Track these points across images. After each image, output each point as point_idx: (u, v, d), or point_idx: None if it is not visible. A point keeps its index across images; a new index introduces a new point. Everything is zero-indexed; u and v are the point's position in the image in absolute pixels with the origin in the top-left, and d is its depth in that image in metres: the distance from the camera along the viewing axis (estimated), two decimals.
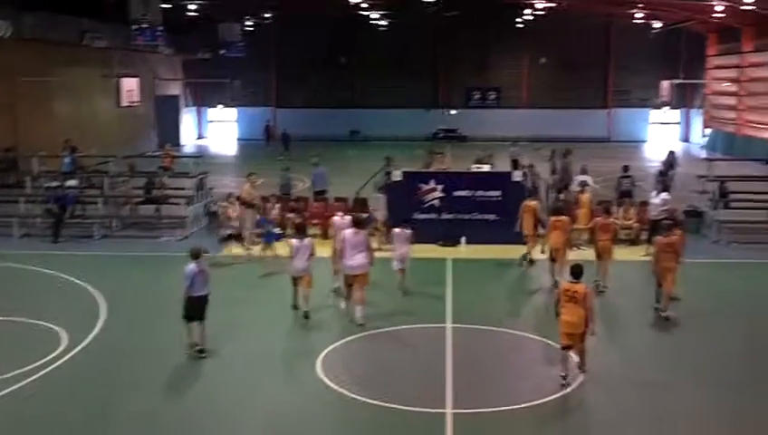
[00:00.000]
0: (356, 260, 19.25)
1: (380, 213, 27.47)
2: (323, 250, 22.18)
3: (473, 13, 66.74)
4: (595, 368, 16.10)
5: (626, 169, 31.81)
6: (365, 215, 23.38)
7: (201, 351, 17.15)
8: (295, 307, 20.17)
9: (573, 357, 16.06)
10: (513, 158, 40.75)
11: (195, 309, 17.06)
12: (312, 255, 19.84)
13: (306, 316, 19.72)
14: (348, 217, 21.58)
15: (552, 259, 22.66)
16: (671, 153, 40.64)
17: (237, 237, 26.01)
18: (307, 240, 20.06)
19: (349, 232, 19.61)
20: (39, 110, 45.61)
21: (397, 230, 22.60)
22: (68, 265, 24.64)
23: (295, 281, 19.99)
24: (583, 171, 31.93)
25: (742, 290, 23.11)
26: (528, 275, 24.61)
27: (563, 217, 22.81)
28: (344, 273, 19.73)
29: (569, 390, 15.23)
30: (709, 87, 67.88)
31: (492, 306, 21.15)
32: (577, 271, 15.94)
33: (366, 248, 19.42)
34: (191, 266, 17.06)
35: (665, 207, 26.18)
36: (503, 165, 37.72)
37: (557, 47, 71.57)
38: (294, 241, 20.01)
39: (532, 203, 25.19)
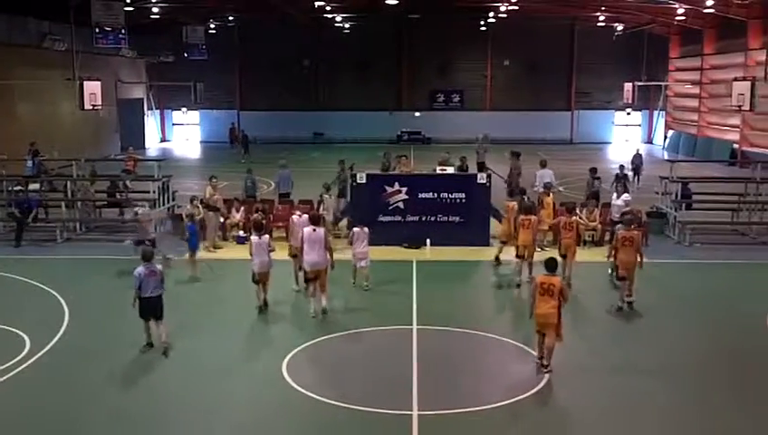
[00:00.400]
0: (315, 256, 19.82)
1: (328, 215, 27.50)
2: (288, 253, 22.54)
3: (436, 16, 66.78)
4: (560, 367, 16.21)
5: (594, 170, 32.03)
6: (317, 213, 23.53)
7: (166, 350, 17.40)
8: (260, 309, 20.48)
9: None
10: (479, 160, 40.72)
11: (148, 310, 17.44)
12: (271, 249, 20.57)
13: (261, 309, 20.44)
14: (306, 216, 21.87)
15: (520, 257, 23.04)
16: (638, 156, 41.00)
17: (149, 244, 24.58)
18: (265, 236, 20.68)
19: (307, 229, 20.14)
20: (0, 113, 45.31)
21: (356, 229, 22.90)
22: (31, 268, 24.47)
23: (257, 279, 20.39)
24: (543, 165, 32.24)
25: (703, 289, 23.40)
26: (493, 277, 24.73)
27: (532, 217, 23.19)
28: (304, 268, 20.21)
29: (534, 391, 15.30)
30: (671, 89, 68.40)
31: (457, 308, 21.20)
32: (552, 264, 16.52)
33: (324, 245, 19.95)
34: (140, 269, 17.36)
35: (626, 208, 26.39)
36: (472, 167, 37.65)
37: (520, 50, 71.82)
38: (253, 238, 20.58)
39: (510, 204, 25.46)
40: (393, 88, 73.81)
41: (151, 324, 17.58)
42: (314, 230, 20.04)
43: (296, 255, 21.91)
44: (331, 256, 20.33)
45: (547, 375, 15.90)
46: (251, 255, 20.34)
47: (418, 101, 73.68)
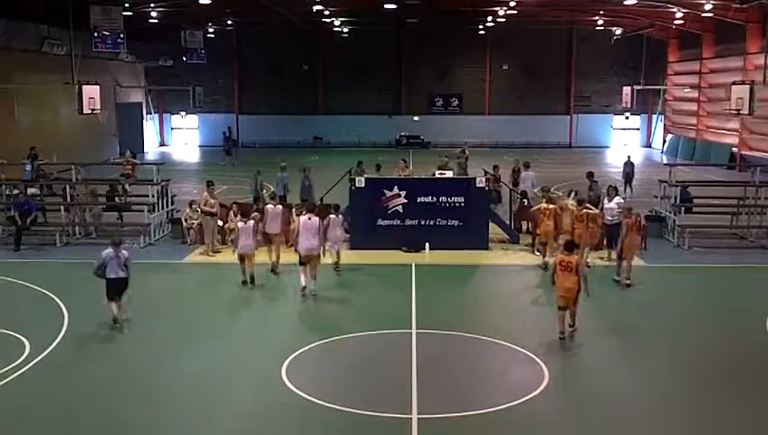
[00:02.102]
0: (309, 243, 21.95)
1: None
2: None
3: (435, 20, 66.80)
4: (555, 377, 16.27)
5: (592, 175, 32.01)
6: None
7: (120, 325, 19.15)
8: (244, 283, 23.04)
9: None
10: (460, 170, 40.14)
11: (112, 290, 19.12)
12: (256, 233, 23.38)
13: (245, 283, 23.06)
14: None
15: (543, 244, 25.60)
16: (630, 163, 40.19)
17: None
18: (250, 222, 23.30)
19: (303, 218, 22.31)
20: None
21: (332, 216, 24.31)
22: (30, 272, 24.44)
23: (242, 258, 23.02)
24: (526, 166, 32.53)
25: (702, 293, 23.48)
26: (492, 281, 24.80)
27: (552, 206, 25.50)
28: (299, 253, 22.14)
29: (533, 394, 15.27)
30: (670, 93, 68.45)
31: (456, 311, 21.15)
32: (570, 246, 19.01)
33: (317, 233, 22.17)
34: (107, 251, 19.16)
35: (620, 210, 26.42)
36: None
37: (519, 54, 72.08)
38: (240, 223, 23.38)
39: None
40: (392, 92, 73.96)
41: (113, 303, 19.12)
42: (309, 219, 22.19)
43: (271, 240, 24.94)
44: (323, 243, 22.68)
45: (546, 378, 15.95)
46: (237, 238, 23.03)
47: (417, 106, 73.83)
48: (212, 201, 27.65)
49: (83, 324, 19.65)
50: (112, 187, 33.20)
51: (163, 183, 30.64)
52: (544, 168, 33.03)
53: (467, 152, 41.27)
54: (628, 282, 23.15)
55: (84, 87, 44.42)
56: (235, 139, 67.23)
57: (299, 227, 22.14)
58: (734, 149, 54.54)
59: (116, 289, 19.08)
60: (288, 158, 39.26)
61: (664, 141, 68.58)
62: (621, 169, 40.05)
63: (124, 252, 19.33)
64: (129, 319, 19.40)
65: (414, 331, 19.16)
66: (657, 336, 19.17)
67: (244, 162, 53.69)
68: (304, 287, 21.99)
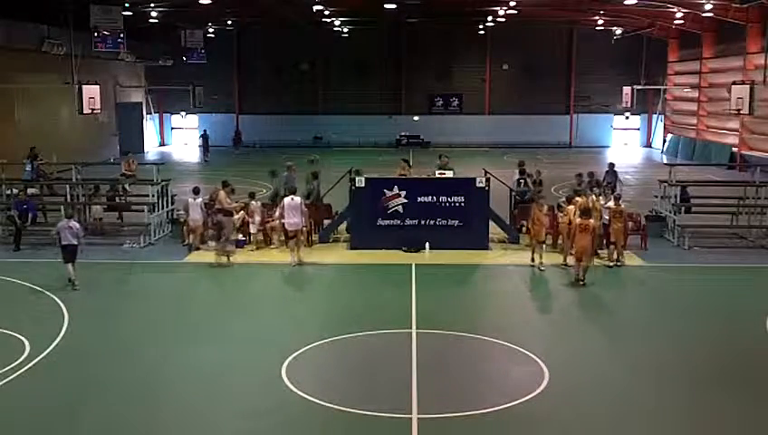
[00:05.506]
0: (293, 220, 25.39)
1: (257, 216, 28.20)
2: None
3: (435, 20, 66.78)
4: (558, 379, 16.25)
5: (580, 175, 31.94)
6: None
7: (74, 285, 22.59)
8: (184, 243, 28.01)
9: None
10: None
11: (66, 254, 22.73)
12: (202, 211, 27.13)
13: (190, 249, 27.37)
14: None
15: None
16: (613, 172, 37.12)
17: None
18: (198, 199, 27.29)
19: (287, 199, 25.65)
20: None
21: (286, 200, 26.01)
22: (30, 272, 24.45)
23: (190, 229, 27.49)
24: (520, 164, 32.41)
25: (702, 293, 23.48)
26: (492, 281, 24.80)
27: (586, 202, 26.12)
28: (286, 229, 25.74)
29: (534, 394, 15.27)
30: (670, 93, 68.41)
31: (456, 311, 21.14)
32: (586, 211, 23.54)
33: (300, 212, 25.50)
34: (62, 223, 22.94)
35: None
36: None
37: (519, 54, 71.95)
38: (190, 199, 27.31)
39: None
40: (392, 92, 73.84)
41: (69, 266, 22.57)
42: (292, 199, 25.54)
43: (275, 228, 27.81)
44: (306, 219, 26.49)
45: (546, 378, 15.96)
46: (187, 212, 27.35)
47: (417, 106, 73.73)
48: (228, 200, 27.31)
49: (83, 324, 19.69)
50: (113, 186, 33.17)
51: (163, 183, 30.59)
52: (546, 167, 32.82)
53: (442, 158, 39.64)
54: (611, 264, 25.60)
55: (84, 87, 44.40)
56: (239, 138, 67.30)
57: (284, 207, 25.52)
58: (734, 149, 54.52)
59: (69, 254, 22.69)
60: (288, 158, 39.07)
61: (664, 141, 68.51)
62: (607, 174, 35.13)
63: (75, 223, 23.03)
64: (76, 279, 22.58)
65: (414, 331, 19.16)
66: (657, 336, 19.18)
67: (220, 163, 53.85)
68: (293, 262, 25.48)
